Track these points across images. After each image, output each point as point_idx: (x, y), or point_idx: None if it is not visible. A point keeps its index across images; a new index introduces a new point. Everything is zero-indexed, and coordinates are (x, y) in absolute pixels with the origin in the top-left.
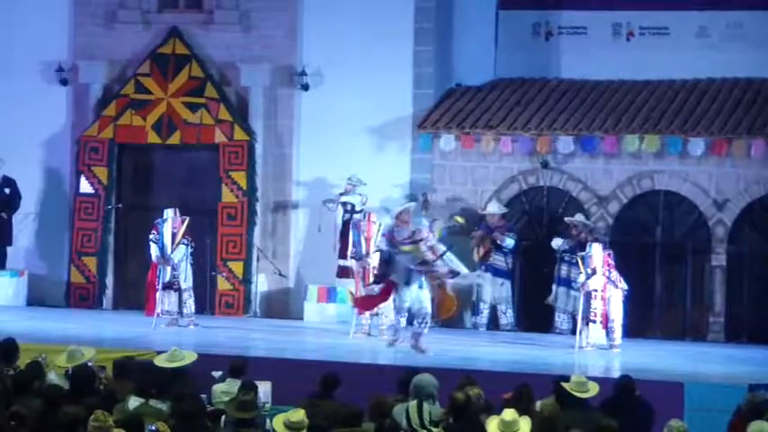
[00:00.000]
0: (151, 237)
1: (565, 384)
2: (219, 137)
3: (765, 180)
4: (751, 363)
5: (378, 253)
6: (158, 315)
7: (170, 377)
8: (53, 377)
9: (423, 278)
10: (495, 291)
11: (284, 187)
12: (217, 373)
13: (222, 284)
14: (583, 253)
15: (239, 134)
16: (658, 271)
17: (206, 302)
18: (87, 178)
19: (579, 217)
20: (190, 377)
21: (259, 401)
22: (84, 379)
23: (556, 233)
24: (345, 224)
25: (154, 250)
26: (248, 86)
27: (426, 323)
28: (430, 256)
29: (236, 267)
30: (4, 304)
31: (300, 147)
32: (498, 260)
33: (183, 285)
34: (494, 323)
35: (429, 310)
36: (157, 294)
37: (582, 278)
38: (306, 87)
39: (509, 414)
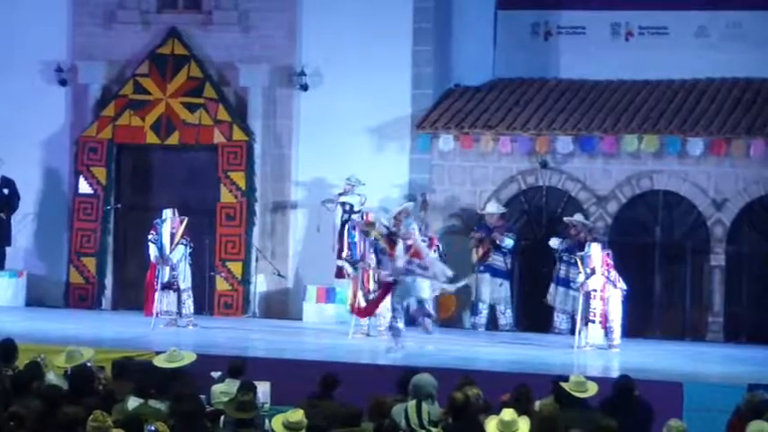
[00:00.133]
0: (150, 237)
1: (564, 384)
2: (218, 137)
3: (764, 180)
4: (750, 363)
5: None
6: (157, 315)
7: (169, 377)
8: (52, 377)
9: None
10: (494, 291)
11: (283, 187)
12: (216, 374)
13: (221, 285)
14: (582, 253)
15: (238, 134)
16: (657, 271)
17: (205, 303)
18: (86, 178)
19: (578, 217)
20: (189, 377)
21: (258, 402)
22: (84, 379)
23: (555, 233)
24: (344, 224)
25: (153, 250)
26: (247, 87)
27: (428, 311)
28: (401, 257)
29: (235, 268)
30: (3, 305)
31: (299, 147)
32: (497, 260)
33: (182, 286)
34: (493, 323)
35: (425, 295)
36: (156, 295)
37: (581, 278)
38: (305, 88)
39: (508, 414)
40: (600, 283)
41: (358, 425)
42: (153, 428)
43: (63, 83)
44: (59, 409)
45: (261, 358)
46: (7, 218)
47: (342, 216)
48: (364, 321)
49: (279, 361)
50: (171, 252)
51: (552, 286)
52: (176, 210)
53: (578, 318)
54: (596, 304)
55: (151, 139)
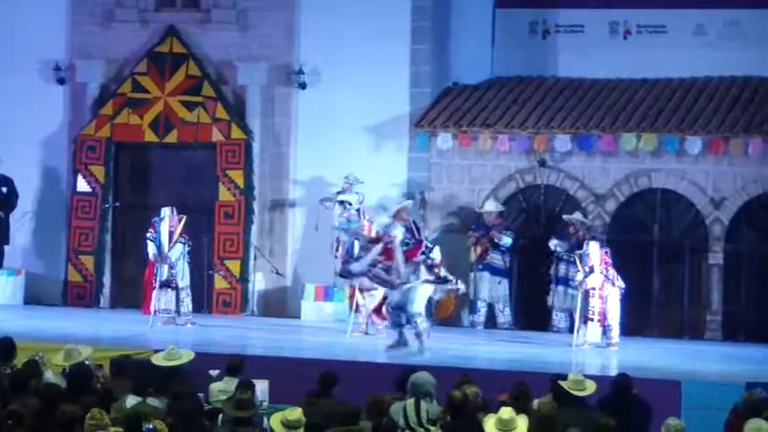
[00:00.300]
0: (148, 235)
1: (562, 383)
2: (217, 135)
3: (762, 178)
4: (748, 361)
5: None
6: (155, 314)
7: (167, 376)
8: (50, 376)
9: (413, 278)
10: (492, 289)
11: (281, 186)
12: (214, 372)
13: (219, 283)
14: (580, 251)
15: (236, 133)
16: (656, 269)
17: (203, 301)
18: (84, 177)
19: (577, 215)
20: (187, 376)
21: (256, 400)
22: (82, 377)
23: (553, 231)
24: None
25: (151, 249)
26: (245, 85)
27: (414, 323)
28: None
29: (234, 266)
30: (1, 303)
31: (298, 145)
32: (496, 258)
33: (181, 284)
34: (491, 321)
35: (415, 309)
36: (154, 293)
37: (579, 276)
38: (303, 86)
39: (506, 412)
40: (598, 282)
41: (356, 423)
42: (151, 427)
43: (61, 81)
44: (58, 407)
45: (259, 356)
46: (6, 216)
47: (340, 214)
48: (362, 320)
49: (277, 359)
50: (169, 250)
51: (552, 286)
52: (174, 208)
53: (577, 316)
54: (595, 303)
55: (149, 137)
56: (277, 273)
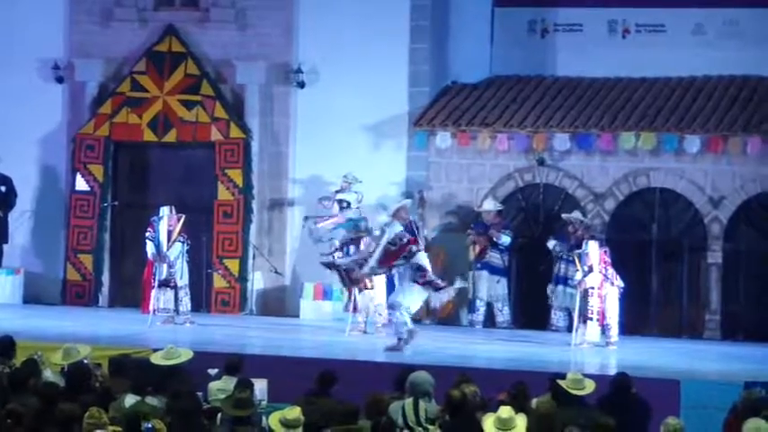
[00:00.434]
0: (147, 234)
1: (561, 382)
2: (215, 135)
3: (761, 177)
4: (747, 360)
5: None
6: (154, 313)
7: (166, 375)
8: (49, 375)
9: (404, 278)
10: (491, 288)
11: (280, 185)
12: (213, 371)
13: (218, 282)
14: (579, 250)
15: (235, 132)
16: (654, 268)
17: (202, 300)
18: (83, 176)
19: (576, 214)
20: (186, 375)
21: (255, 399)
22: (80, 376)
23: (552, 230)
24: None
25: (150, 248)
26: (244, 84)
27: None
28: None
29: (233, 265)
30: (0, 302)
31: (296, 144)
32: (494, 257)
33: (179, 283)
34: (490, 320)
35: (403, 301)
36: (153, 292)
37: (578, 276)
38: (302, 85)
39: (505, 411)
40: (597, 281)
41: (355, 422)
42: (150, 426)
43: (60, 80)
44: (56, 406)
45: (258, 355)
46: (4, 215)
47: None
48: (361, 318)
49: (276, 358)
50: (168, 249)
51: (551, 286)
52: (173, 207)
53: (575, 315)
54: (593, 302)
55: (148, 136)
56: (276, 272)
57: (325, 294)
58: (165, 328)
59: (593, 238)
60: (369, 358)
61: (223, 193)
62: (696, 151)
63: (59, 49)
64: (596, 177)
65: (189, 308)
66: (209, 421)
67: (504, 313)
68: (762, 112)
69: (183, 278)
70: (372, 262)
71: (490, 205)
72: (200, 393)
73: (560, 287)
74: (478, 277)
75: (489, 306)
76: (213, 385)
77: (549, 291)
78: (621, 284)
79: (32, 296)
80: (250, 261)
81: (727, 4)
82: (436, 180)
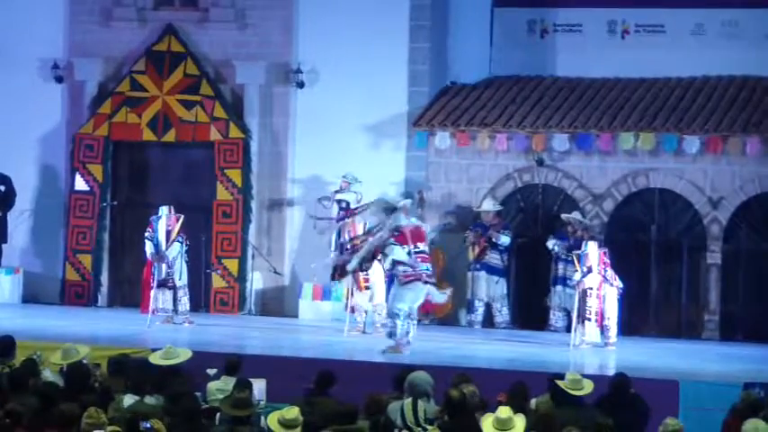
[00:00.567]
0: (146, 234)
1: (560, 382)
2: (215, 134)
3: (760, 178)
4: (746, 361)
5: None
6: (153, 312)
7: (165, 375)
8: (48, 374)
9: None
10: (490, 288)
11: (279, 185)
12: (212, 371)
13: (217, 282)
14: (579, 251)
15: (234, 132)
16: (653, 269)
17: (201, 300)
18: (82, 176)
19: (575, 214)
20: (184, 375)
21: (254, 399)
22: (79, 376)
23: (551, 231)
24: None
25: (149, 248)
26: (244, 84)
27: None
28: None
29: (231, 265)
30: None
31: (296, 144)
32: (493, 258)
33: (178, 283)
34: (489, 321)
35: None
36: (152, 292)
37: (577, 276)
38: (301, 85)
39: (504, 411)
40: (596, 282)
41: (354, 422)
42: (149, 425)
43: (59, 80)
44: (55, 406)
45: (257, 355)
46: (4, 215)
47: (338, 213)
48: (360, 319)
49: (275, 358)
50: (167, 249)
51: (551, 288)
52: (172, 207)
53: (574, 316)
54: (592, 302)
55: (147, 136)
56: (275, 272)
57: (324, 295)
58: (164, 328)
59: (592, 238)
60: (367, 358)
61: (222, 193)
62: (695, 152)
63: (59, 49)
64: (595, 178)
65: (188, 308)
66: (207, 421)
67: (502, 313)
68: (761, 113)
69: (181, 278)
70: (359, 255)
71: (489, 205)
72: (198, 393)
73: (559, 287)
74: (477, 278)
75: (488, 306)
76: (212, 385)
77: (548, 301)
78: (621, 285)
79: (31, 296)
80: (249, 261)
81: (726, 4)
82: (435, 180)
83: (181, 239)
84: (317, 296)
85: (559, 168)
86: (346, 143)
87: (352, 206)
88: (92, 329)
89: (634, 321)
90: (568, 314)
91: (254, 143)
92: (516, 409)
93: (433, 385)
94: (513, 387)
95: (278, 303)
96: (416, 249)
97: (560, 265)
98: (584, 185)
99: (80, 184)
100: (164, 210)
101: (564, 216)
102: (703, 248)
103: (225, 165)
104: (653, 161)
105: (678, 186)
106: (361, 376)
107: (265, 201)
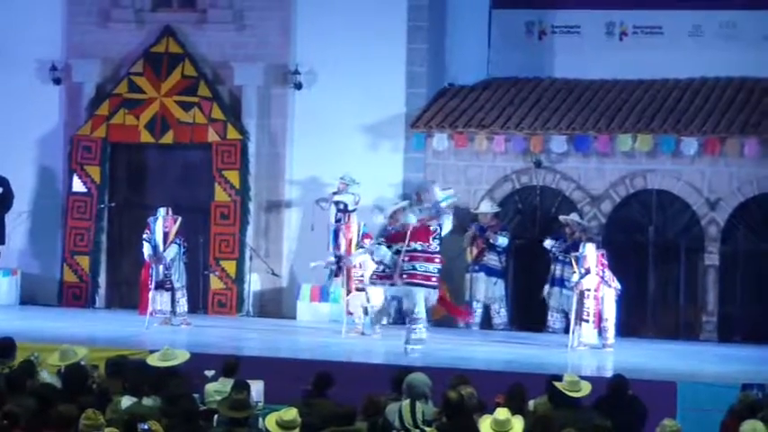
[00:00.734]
0: (144, 236)
1: (557, 384)
2: (212, 136)
3: (758, 179)
4: (744, 362)
5: (365, 254)
6: (151, 314)
7: (163, 376)
8: (45, 376)
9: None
10: (488, 290)
11: (277, 186)
12: (209, 373)
13: (215, 283)
14: (577, 253)
15: (232, 133)
16: (651, 270)
17: (199, 302)
18: (80, 177)
19: (573, 216)
20: (182, 376)
21: (252, 400)
22: (77, 378)
23: (549, 232)
24: (338, 223)
25: (146, 249)
26: (241, 85)
27: (415, 321)
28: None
29: (229, 266)
30: None
31: (293, 146)
32: (492, 259)
33: (176, 285)
34: (487, 322)
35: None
36: (150, 293)
37: (575, 277)
38: (299, 86)
39: (502, 413)
40: (594, 283)
41: (352, 424)
42: (147, 427)
43: (57, 81)
44: (53, 407)
45: (255, 357)
46: (1, 216)
47: (336, 215)
48: (358, 320)
49: (273, 360)
50: (164, 251)
51: (547, 286)
52: (170, 209)
53: (572, 317)
54: (590, 304)
55: (145, 137)
56: (273, 273)
57: (322, 296)
58: (162, 329)
59: (590, 240)
60: (365, 360)
61: (220, 195)
62: (693, 153)
63: (57, 50)
64: (593, 179)
65: (186, 309)
66: (205, 423)
67: (501, 315)
68: (759, 114)
69: (179, 280)
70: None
71: (487, 207)
72: (196, 395)
73: (557, 289)
74: (475, 279)
75: (486, 308)
76: (210, 387)
77: (544, 292)
78: (618, 286)
79: (29, 297)
80: (247, 262)
81: (724, 5)
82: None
83: (178, 241)
84: (314, 298)
85: (557, 170)
86: (344, 144)
87: (350, 208)
88: (89, 331)
89: (632, 323)
90: (566, 315)
91: (251, 144)
92: (514, 411)
93: (431, 387)
94: (511, 389)
95: (276, 305)
96: (408, 248)
97: (558, 267)
98: (582, 187)
99: (78, 185)
100: (161, 211)
101: (562, 218)
102: (701, 250)
103: (223, 166)
104: (651, 162)
105: (676, 188)
106: (359, 378)
107: (263, 202)
